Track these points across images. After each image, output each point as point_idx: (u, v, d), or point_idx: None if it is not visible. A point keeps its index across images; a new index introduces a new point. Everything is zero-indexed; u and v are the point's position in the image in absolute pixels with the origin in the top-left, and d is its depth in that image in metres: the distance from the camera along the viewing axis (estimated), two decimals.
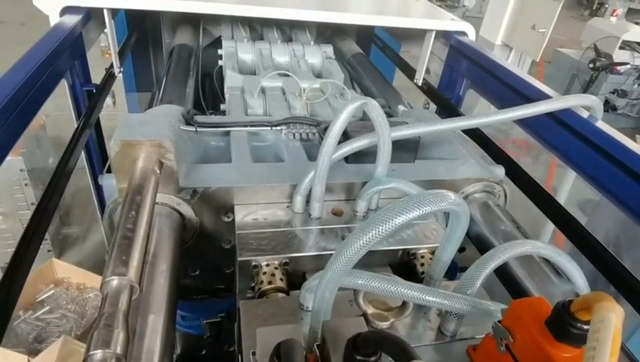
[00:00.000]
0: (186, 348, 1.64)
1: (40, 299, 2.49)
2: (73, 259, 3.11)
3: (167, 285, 0.88)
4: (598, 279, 1.05)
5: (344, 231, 1.07)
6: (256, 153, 1.27)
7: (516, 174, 1.42)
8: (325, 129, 1.07)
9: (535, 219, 1.56)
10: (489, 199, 1.28)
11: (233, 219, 1.09)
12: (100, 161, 1.82)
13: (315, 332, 0.72)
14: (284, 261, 0.97)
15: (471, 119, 1.24)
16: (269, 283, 0.93)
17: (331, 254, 0.67)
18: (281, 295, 0.92)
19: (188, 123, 1.31)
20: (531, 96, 1.43)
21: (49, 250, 3.04)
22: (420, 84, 2.11)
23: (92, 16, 1.66)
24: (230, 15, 1.71)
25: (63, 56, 1.39)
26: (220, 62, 1.91)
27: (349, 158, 1.18)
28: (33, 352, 2.13)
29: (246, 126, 1.37)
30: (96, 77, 1.74)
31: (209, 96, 2.00)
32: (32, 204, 2.85)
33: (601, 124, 1.25)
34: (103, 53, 2.80)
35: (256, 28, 2.41)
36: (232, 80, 1.73)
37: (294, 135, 1.38)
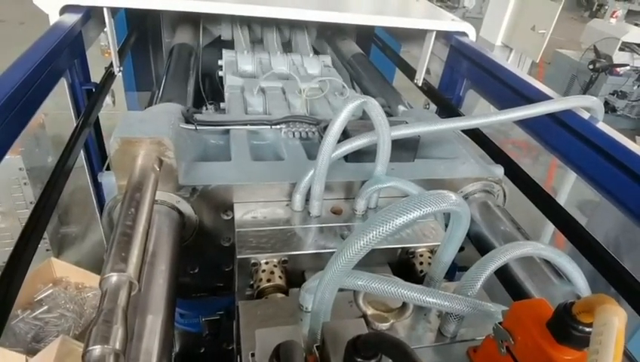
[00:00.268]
0: (184, 346, 1.64)
1: (38, 298, 2.48)
2: (72, 258, 3.10)
3: (166, 283, 0.87)
4: (597, 280, 1.04)
5: (343, 230, 1.06)
6: (256, 151, 1.27)
7: (515, 174, 1.42)
8: (325, 128, 1.07)
9: (535, 219, 1.56)
10: (488, 199, 1.27)
11: (232, 217, 1.09)
12: (99, 160, 1.81)
13: (315, 334, 0.72)
14: (283, 259, 0.97)
15: (471, 119, 1.23)
16: (268, 281, 0.93)
17: (330, 252, 0.67)
18: (280, 295, 0.92)
19: (188, 121, 1.31)
20: (531, 96, 1.43)
21: (47, 249, 3.04)
22: (420, 85, 2.11)
23: (92, 15, 1.65)
24: (230, 14, 1.71)
25: (62, 54, 1.39)
26: (220, 73, 1.91)
27: (348, 157, 1.18)
28: (31, 352, 2.13)
29: (246, 124, 1.37)
30: (96, 76, 1.74)
31: (209, 95, 2.00)
32: (31, 202, 2.84)
33: (602, 125, 1.25)
34: (103, 52, 2.79)
35: (256, 28, 2.41)
36: (232, 81, 1.73)
37: (294, 133, 1.38)
